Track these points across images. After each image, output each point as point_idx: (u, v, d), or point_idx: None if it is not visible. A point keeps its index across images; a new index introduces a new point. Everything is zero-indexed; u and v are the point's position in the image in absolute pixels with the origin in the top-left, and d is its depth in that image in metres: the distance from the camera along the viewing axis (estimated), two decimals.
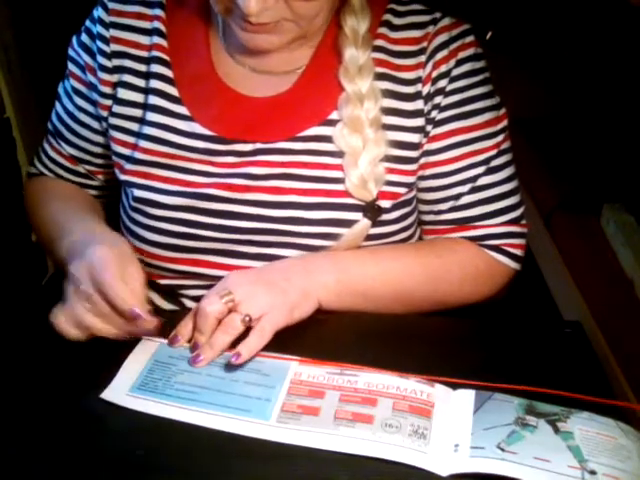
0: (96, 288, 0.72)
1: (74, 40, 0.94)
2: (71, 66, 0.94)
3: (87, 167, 0.99)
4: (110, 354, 0.74)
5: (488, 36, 1.44)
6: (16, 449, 0.64)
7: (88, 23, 0.92)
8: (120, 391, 0.70)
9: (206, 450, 0.65)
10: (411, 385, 0.72)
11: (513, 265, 0.90)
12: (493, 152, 0.87)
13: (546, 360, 0.78)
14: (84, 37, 0.92)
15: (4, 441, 0.65)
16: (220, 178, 0.86)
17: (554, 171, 1.31)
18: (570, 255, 1.13)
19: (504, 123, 0.89)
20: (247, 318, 0.75)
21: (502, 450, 0.63)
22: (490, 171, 0.87)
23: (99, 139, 0.95)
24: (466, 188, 0.87)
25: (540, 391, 0.70)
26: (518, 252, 0.90)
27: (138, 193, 0.88)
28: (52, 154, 0.99)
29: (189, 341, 0.76)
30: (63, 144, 0.98)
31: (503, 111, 0.89)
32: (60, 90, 0.97)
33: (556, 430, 0.66)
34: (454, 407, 0.70)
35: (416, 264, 0.87)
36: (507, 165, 0.89)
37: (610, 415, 0.68)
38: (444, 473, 0.63)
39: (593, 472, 0.61)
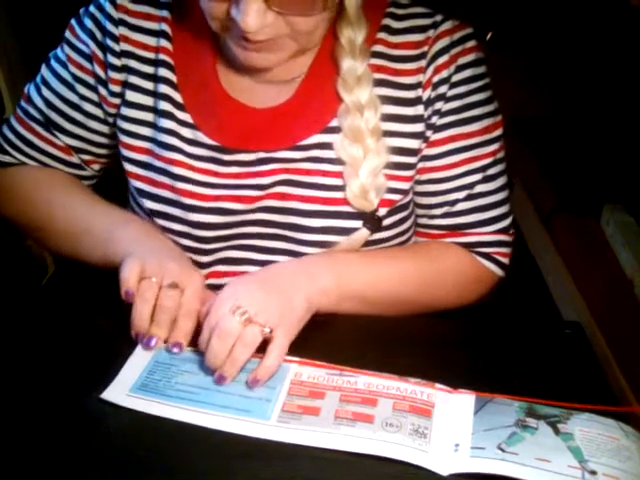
0: (179, 303, 0.75)
1: (75, 26, 0.90)
2: (72, 53, 0.90)
3: (84, 157, 0.95)
4: (110, 354, 0.74)
5: (488, 37, 1.44)
6: (16, 449, 0.64)
7: (94, 10, 0.88)
8: (120, 391, 0.70)
9: (206, 450, 0.65)
10: (411, 386, 0.72)
11: (499, 273, 0.91)
12: (489, 160, 0.87)
13: (546, 361, 0.78)
14: (91, 25, 0.88)
15: (4, 441, 0.65)
16: (227, 190, 0.85)
17: (554, 172, 1.32)
18: (570, 255, 1.13)
19: (500, 131, 0.88)
20: (268, 330, 0.73)
21: (502, 451, 0.63)
22: (486, 179, 0.87)
23: (104, 129, 0.92)
24: (462, 195, 0.87)
25: (540, 402, 0.69)
26: (505, 260, 0.91)
27: (150, 205, 0.87)
28: (39, 143, 0.93)
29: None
30: (59, 134, 0.93)
31: (500, 118, 0.88)
32: (47, 75, 0.92)
33: (556, 431, 0.66)
34: (454, 408, 0.70)
35: (411, 269, 0.87)
36: (501, 174, 0.89)
37: (610, 416, 0.68)
38: (444, 472, 0.63)
39: (593, 472, 0.61)
